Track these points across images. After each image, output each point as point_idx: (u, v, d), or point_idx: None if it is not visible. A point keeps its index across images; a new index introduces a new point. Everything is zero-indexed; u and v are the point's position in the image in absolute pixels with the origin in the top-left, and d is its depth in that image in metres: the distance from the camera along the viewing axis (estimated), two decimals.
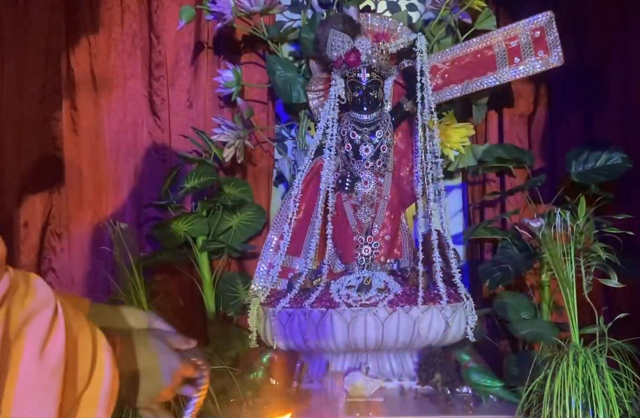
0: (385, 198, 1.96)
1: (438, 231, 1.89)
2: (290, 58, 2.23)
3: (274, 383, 1.77)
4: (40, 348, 0.59)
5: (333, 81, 1.96)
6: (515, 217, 2.13)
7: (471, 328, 1.80)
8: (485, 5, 2.06)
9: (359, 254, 1.93)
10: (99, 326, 0.70)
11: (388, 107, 2.04)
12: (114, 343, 0.71)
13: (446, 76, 1.99)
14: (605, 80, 2.17)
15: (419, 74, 1.90)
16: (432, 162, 1.90)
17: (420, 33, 1.95)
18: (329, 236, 1.93)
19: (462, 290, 1.82)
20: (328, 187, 1.93)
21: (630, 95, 2.08)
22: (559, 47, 1.92)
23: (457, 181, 2.35)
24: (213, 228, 2.13)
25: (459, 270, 1.84)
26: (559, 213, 1.71)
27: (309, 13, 2.18)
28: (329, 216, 1.93)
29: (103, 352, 0.67)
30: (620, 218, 1.89)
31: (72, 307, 0.66)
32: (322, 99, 2.08)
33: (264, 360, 1.76)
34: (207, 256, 2.12)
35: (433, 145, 1.90)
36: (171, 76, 2.31)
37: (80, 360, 0.63)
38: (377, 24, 2.02)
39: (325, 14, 2.15)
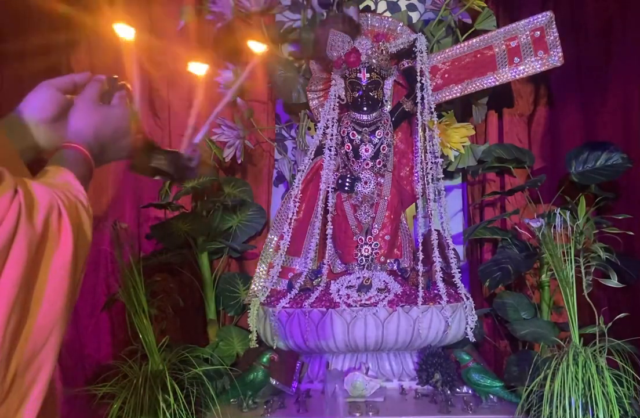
0: (385, 198, 1.96)
1: (438, 231, 1.89)
2: (290, 58, 2.23)
3: (274, 383, 1.77)
4: (53, 252, 0.68)
5: (333, 81, 1.96)
6: (515, 217, 2.13)
7: (471, 328, 1.80)
8: (485, 5, 2.06)
9: (359, 254, 1.93)
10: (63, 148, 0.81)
11: (388, 107, 2.04)
12: (85, 155, 0.83)
13: (446, 76, 1.99)
14: (605, 80, 2.17)
15: (419, 74, 1.90)
16: (432, 162, 1.90)
17: (420, 33, 1.95)
18: (329, 236, 1.93)
19: (462, 290, 1.82)
20: (328, 187, 1.94)
21: (630, 95, 2.08)
22: (558, 47, 1.92)
23: (457, 181, 2.35)
24: (213, 228, 2.13)
25: (459, 270, 1.84)
26: (559, 213, 1.71)
27: (309, 13, 2.18)
28: (329, 216, 1.93)
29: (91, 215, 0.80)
30: (620, 218, 1.89)
31: (64, 193, 0.74)
32: (322, 99, 2.08)
33: (264, 360, 1.76)
34: (207, 256, 2.12)
35: (433, 145, 1.90)
36: (171, 76, 2.30)
37: (81, 239, 0.75)
38: (377, 24, 2.02)
39: (325, 14, 2.15)
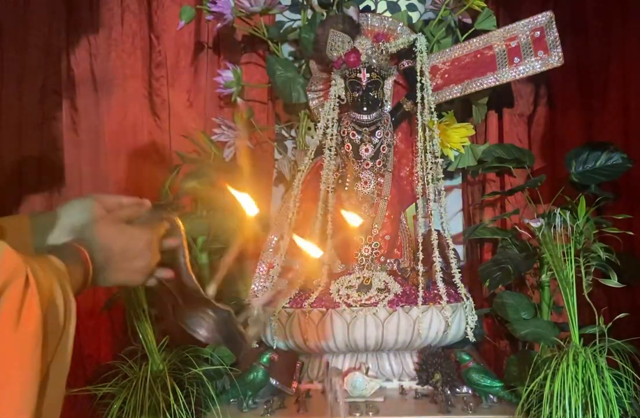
0: (385, 198, 1.96)
1: (438, 231, 1.89)
2: (290, 58, 2.23)
3: (274, 383, 1.77)
4: (15, 322, 0.61)
5: (333, 81, 1.96)
6: (515, 217, 2.13)
7: (471, 328, 1.80)
8: (485, 5, 2.05)
9: (359, 254, 1.93)
10: (62, 244, 0.76)
11: (388, 107, 2.04)
12: (84, 258, 0.77)
13: (446, 76, 1.99)
14: (605, 80, 2.17)
15: (419, 74, 1.90)
16: (432, 162, 1.90)
17: (420, 33, 1.95)
18: (329, 236, 1.93)
19: (462, 290, 1.82)
20: (328, 187, 1.94)
21: (630, 95, 2.08)
22: (559, 47, 1.92)
23: (457, 181, 2.35)
24: (213, 228, 2.13)
25: (459, 270, 1.84)
26: (559, 213, 1.71)
27: (309, 13, 2.18)
28: (329, 216, 1.93)
29: (72, 303, 0.70)
30: (620, 218, 1.89)
31: (40, 266, 0.68)
32: (322, 99, 2.08)
33: (264, 360, 1.76)
34: (207, 256, 2.12)
35: (433, 145, 1.90)
36: (171, 76, 2.31)
37: (56, 317, 0.67)
38: (377, 24, 2.02)
39: (325, 14, 2.15)
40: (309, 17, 2.16)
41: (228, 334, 0.79)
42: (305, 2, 2.19)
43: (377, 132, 1.95)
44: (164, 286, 0.88)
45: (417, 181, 1.93)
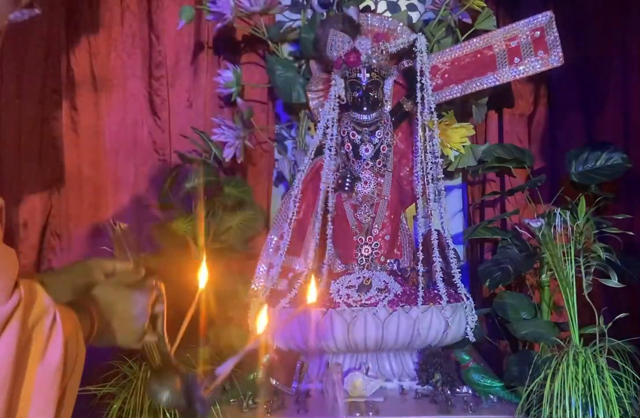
0: (385, 198, 1.96)
1: (438, 231, 1.89)
2: (290, 58, 2.23)
3: (274, 383, 1.77)
4: (42, 353, 0.69)
5: (333, 81, 1.96)
6: (515, 217, 2.13)
7: (471, 328, 1.80)
8: (485, 5, 2.06)
9: (359, 254, 1.93)
10: (75, 300, 0.83)
11: (388, 107, 2.04)
12: (92, 316, 0.82)
13: (446, 76, 1.99)
14: (605, 80, 2.16)
15: (419, 74, 1.90)
16: (432, 162, 1.90)
17: (420, 33, 1.95)
18: (329, 236, 1.93)
19: (462, 290, 1.82)
20: (328, 187, 1.94)
21: (630, 95, 2.08)
22: (559, 47, 1.92)
23: (457, 181, 2.35)
24: (213, 228, 2.13)
25: (459, 270, 1.84)
26: (559, 213, 1.71)
27: (309, 13, 2.18)
28: (329, 216, 1.93)
29: (81, 345, 0.78)
30: (620, 218, 1.89)
31: (61, 308, 0.75)
32: (322, 99, 2.08)
33: (264, 360, 1.76)
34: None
35: (433, 145, 1.90)
36: (171, 76, 2.31)
37: (71, 355, 0.74)
38: (377, 24, 2.02)
39: (325, 14, 2.15)
40: (309, 17, 2.17)
41: (190, 400, 0.85)
42: (305, 2, 2.19)
43: (377, 132, 1.95)
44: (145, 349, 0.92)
45: (417, 181, 1.93)
